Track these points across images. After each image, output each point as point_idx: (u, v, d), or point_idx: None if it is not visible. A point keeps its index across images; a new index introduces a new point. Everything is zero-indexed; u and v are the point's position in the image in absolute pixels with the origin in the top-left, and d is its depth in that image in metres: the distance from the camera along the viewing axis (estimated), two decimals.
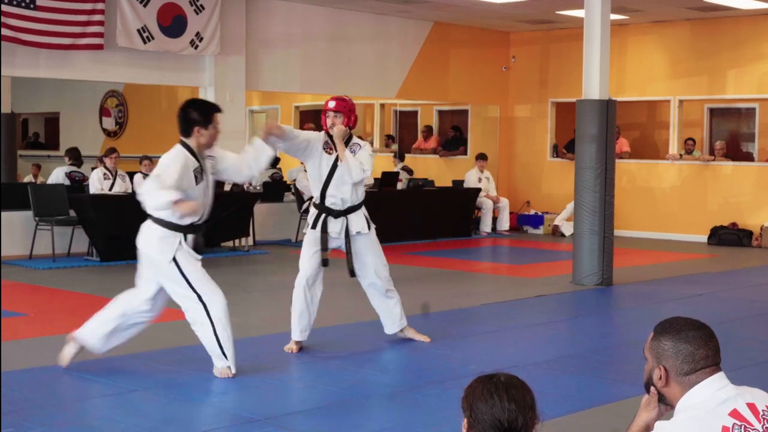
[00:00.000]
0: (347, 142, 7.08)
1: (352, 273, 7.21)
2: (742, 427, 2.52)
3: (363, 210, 7.14)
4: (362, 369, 6.52)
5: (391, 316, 7.42)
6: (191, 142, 6.33)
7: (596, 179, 10.41)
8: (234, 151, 15.42)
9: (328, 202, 7.00)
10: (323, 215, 7.00)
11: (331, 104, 7.19)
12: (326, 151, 6.99)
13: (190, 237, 6.27)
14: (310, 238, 7.05)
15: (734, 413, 2.55)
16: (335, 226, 7.00)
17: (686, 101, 16.33)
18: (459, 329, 8.04)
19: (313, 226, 7.02)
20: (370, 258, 7.16)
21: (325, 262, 7.06)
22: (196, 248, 6.28)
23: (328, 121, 7.06)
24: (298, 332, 7.15)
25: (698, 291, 10.27)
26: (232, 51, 13.75)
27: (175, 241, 6.17)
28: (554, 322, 8.74)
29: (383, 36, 15.92)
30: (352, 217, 7.04)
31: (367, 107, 19.53)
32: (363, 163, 6.96)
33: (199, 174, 6.31)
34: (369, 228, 7.14)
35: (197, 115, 6.31)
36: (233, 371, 6.17)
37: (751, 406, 2.58)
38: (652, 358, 2.72)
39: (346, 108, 7.13)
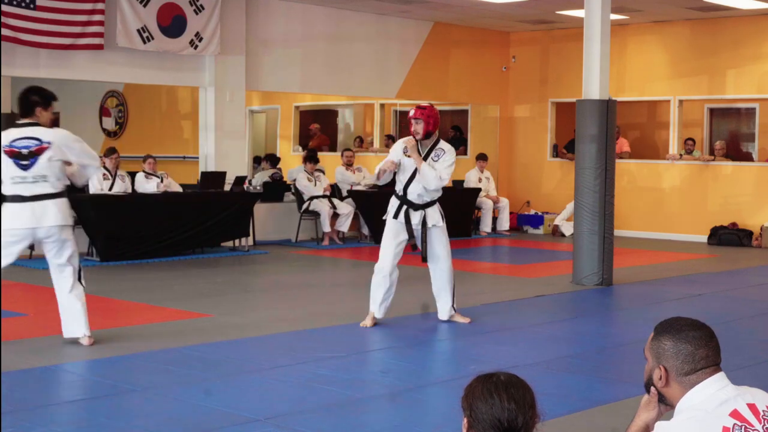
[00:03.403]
0: (434, 146, 7.95)
1: (425, 259, 8.01)
2: (743, 427, 2.52)
3: (437, 205, 7.95)
4: (362, 369, 6.53)
5: (444, 306, 8.15)
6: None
7: (596, 179, 10.41)
8: (234, 151, 15.46)
9: (409, 196, 7.87)
10: (404, 207, 7.85)
11: (411, 113, 7.98)
12: (406, 155, 7.89)
13: None
14: (392, 228, 7.90)
15: (734, 414, 2.55)
16: (415, 217, 7.84)
17: (686, 101, 16.33)
18: (459, 329, 8.04)
19: (395, 216, 7.87)
20: (442, 249, 7.97)
21: (414, 247, 8.18)
22: None
23: (412, 128, 7.96)
24: (381, 310, 8.00)
25: (698, 291, 10.27)
26: (232, 51, 13.75)
27: None
28: (554, 322, 8.74)
29: (383, 36, 15.92)
30: (429, 210, 7.89)
31: (367, 107, 19.53)
32: (441, 173, 7.78)
33: None
34: (443, 221, 7.93)
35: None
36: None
37: (752, 407, 2.57)
38: (652, 358, 2.71)
39: (424, 115, 7.86)
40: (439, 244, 7.99)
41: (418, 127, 7.88)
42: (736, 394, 2.60)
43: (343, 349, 7.16)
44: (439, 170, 7.80)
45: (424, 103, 8.51)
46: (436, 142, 8.00)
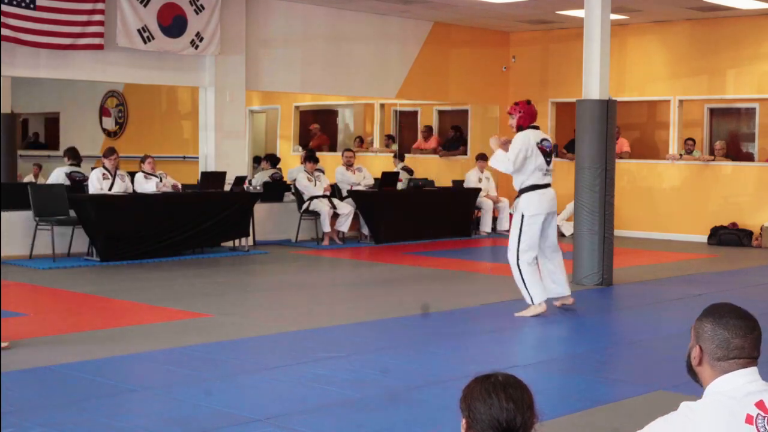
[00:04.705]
0: None
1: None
2: (766, 418, 2.57)
3: (530, 195, 8.54)
4: (362, 369, 6.53)
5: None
6: None
7: (596, 179, 10.41)
8: (234, 151, 15.45)
9: None
10: None
11: (508, 109, 8.81)
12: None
13: None
14: None
15: (760, 404, 2.60)
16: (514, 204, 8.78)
17: (686, 101, 16.33)
18: (459, 329, 8.04)
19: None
20: (509, 239, 8.65)
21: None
22: None
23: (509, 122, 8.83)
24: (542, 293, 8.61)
25: (698, 291, 10.26)
26: (232, 51, 13.75)
27: None
28: (554, 322, 8.73)
29: (383, 36, 15.92)
30: (519, 199, 8.66)
31: (367, 107, 19.53)
32: (509, 156, 8.46)
33: None
34: (521, 210, 8.54)
35: None
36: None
37: None
38: (694, 337, 2.76)
39: (516, 110, 8.67)
40: (510, 234, 8.67)
41: (512, 122, 8.67)
42: (764, 388, 2.65)
43: (343, 349, 7.16)
44: (506, 154, 8.50)
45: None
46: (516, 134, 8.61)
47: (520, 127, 8.61)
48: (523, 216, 8.52)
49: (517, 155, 8.42)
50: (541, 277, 8.70)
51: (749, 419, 2.56)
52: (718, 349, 2.68)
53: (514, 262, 8.53)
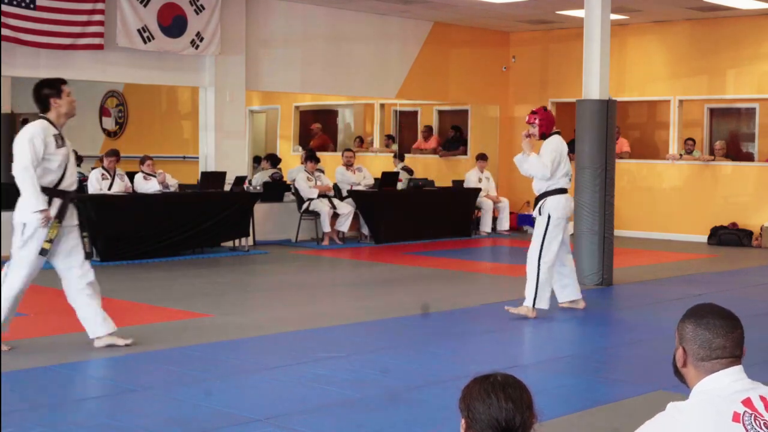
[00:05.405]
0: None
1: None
2: (753, 416, 2.57)
3: (557, 198, 8.52)
4: (362, 369, 6.53)
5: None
6: (50, 114, 6.72)
7: (596, 179, 10.41)
8: (234, 151, 15.45)
9: None
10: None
11: (527, 118, 8.82)
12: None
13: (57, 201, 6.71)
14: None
15: (747, 402, 2.61)
16: (535, 209, 8.71)
17: (686, 101, 16.33)
18: (459, 329, 8.04)
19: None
20: (532, 239, 8.62)
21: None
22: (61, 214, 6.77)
23: (530, 132, 8.74)
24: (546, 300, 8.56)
25: (698, 291, 10.26)
26: (232, 51, 13.75)
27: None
28: (554, 322, 8.73)
29: (383, 36, 15.92)
30: (544, 201, 8.58)
31: (367, 107, 19.53)
32: (542, 159, 8.50)
33: (60, 140, 6.70)
34: (547, 214, 8.48)
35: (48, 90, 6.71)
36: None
37: (764, 399, 2.63)
38: (678, 339, 2.77)
39: (534, 119, 8.66)
40: (533, 234, 8.62)
41: (534, 131, 8.64)
42: (751, 387, 2.66)
43: (343, 349, 7.16)
44: (542, 160, 8.53)
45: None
46: (547, 140, 8.64)
47: (543, 135, 8.62)
48: (549, 217, 8.50)
49: (553, 161, 8.49)
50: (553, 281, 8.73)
51: (736, 417, 2.56)
52: (700, 350, 2.69)
53: (535, 262, 8.50)
